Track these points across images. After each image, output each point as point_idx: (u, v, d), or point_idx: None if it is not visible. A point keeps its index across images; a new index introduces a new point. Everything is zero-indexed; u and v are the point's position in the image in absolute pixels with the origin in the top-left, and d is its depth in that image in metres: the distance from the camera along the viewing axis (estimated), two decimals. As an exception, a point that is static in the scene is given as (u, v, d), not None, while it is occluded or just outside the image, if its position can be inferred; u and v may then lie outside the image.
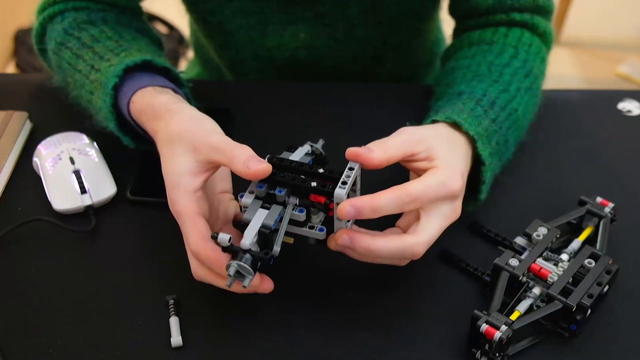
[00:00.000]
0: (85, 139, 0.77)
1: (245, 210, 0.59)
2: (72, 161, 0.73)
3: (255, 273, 0.56)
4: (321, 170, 0.58)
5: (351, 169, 0.58)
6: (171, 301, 0.63)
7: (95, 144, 0.77)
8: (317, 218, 0.59)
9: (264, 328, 0.62)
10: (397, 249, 0.58)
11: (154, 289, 0.65)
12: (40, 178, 0.74)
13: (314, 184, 0.57)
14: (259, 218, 0.57)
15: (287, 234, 0.59)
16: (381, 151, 0.59)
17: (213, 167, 0.61)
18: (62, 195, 0.71)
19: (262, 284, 0.58)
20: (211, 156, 0.59)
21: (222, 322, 0.62)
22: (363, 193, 0.60)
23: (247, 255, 0.55)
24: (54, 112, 0.82)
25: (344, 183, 0.57)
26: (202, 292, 0.64)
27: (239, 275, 0.55)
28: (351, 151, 0.59)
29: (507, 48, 0.79)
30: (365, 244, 0.57)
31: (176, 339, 0.60)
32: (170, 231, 0.69)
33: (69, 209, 0.71)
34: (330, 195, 0.57)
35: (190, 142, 0.60)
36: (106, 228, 0.70)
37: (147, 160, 0.74)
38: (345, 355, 0.60)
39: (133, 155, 0.75)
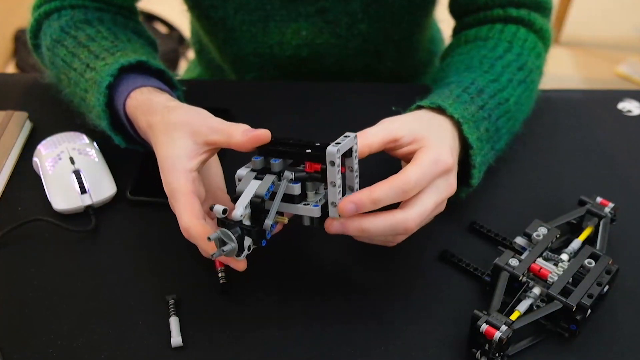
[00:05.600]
0: (85, 139, 0.77)
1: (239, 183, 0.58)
2: (72, 161, 0.73)
3: (237, 244, 0.55)
4: (317, 144, 0.57)
5: (347, 136, 0.57)
6: (171, 301, 0.63)
7: (95, 144, 0.77)
8: (313, 197, 0.59)
9: (264, 328, 0.61)
10: (389, 225, 0.58)
11: (154, 289, 0.65)
12: (40, 178, 0.74)
13: (308, 151, 0.57)
14: (251, 188, 0.56)
15: (281, 213, 0.58)
16: (361, 139, 0.59)
17: (210, 149, 0.61)
18: (62, 195, 0.71)
19: (236, 261, 0.58)
20: (210, 137, 0.60)
21: (222, 322, 0.62)
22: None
23: (237, 228, 0.55)
24: (54, 112, 0.82)
25: (337, 143, 0.56)
26: (202, 292, 0.64)
27: (223, 244, 0.54)
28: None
29: (501, 43, 0.79)
30: (357, 226, 0.57)
31: (176, 339, 0.60)
32: (170, 231, 0.69)
33: (69, 209, 0.71)
34: (324, 158, 0.55)
35: (189, 127, 0.61)
36: (106, 228, 0.70)
37: (147, 160, 0.74)
38: (345, 355, 0.60)
39: (133, 155, 0.75)
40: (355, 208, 0.56)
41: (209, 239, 0.54)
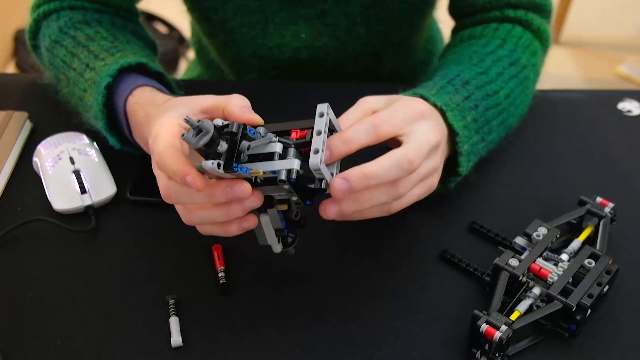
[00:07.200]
0: (85, 139, 0.77)
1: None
2: (72, 161, 0.73)
3: (213, 132, 0.50)
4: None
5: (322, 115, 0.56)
6: (171, 301, 0.63)
7: (95, 144, 0.77)
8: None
9: (264, 328, 0.62)
10: (391, 163, 0.56)
11: (154, 289, 0.65)
12: (40, 178, 0.74)
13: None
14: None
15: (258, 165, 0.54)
16: (342, 123, 0.60)
17: (204, 113, 0.60)
18: (62, 195, 0.71)
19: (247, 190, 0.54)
20: (206, 103, 0.59)
21: (222, 322, 0.62)
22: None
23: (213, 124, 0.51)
24: (54, 112, 0.82)
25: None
26: (202, 292, 0.64)
27: (203, 141, 0.50)
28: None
29: (494, 40, 0.79)
30: (359, 172, 0.55)
31: (176, 339, 0.60)
32: (170, 231, 0.69)
33: (69, 209, 0.71)
34: (311, 125, 0.55)
35: (185, 101, 0.61)
36: (106, 228, 0.70)
37: (147, 160, 0.74)
38: (345, 355, 0.60)
39: (133, 155, 0.75)
40: (329, 153, 0.56)
41: (182, 135, 0.51)
